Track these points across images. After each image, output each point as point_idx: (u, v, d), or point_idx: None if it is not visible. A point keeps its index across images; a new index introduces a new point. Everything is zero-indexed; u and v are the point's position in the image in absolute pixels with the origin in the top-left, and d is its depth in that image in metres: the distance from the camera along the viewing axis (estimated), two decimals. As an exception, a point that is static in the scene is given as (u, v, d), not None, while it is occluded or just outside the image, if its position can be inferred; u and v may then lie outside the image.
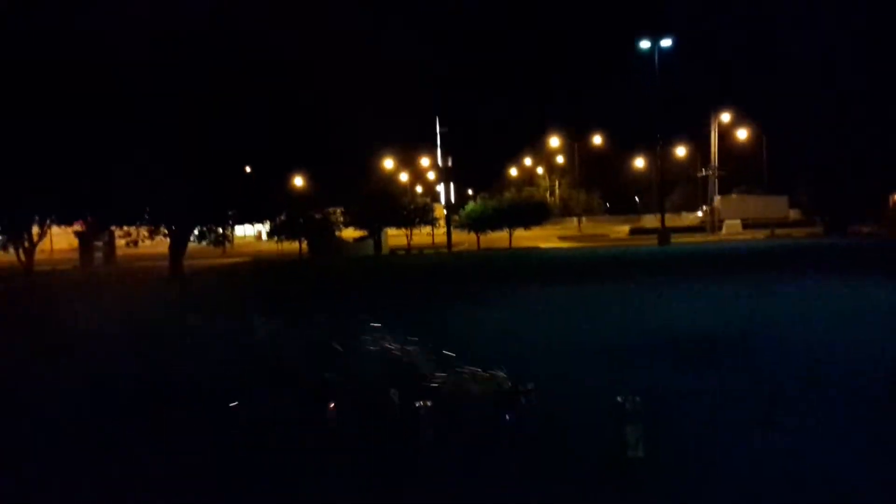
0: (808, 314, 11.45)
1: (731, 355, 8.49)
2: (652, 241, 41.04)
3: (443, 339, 10.33)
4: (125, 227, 31.23)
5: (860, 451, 5.21)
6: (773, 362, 8.02)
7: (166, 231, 29.28)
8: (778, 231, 49.76)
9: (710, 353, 8.63)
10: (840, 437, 5.46)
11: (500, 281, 20.11)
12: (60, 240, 46.19)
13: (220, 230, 31.03)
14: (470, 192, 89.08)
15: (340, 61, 32.81)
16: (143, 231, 30.16)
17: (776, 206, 64.13)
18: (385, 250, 41.91)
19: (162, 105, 24.66)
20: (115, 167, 24.46)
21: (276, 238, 41.93)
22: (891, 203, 50.92)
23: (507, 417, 5.76)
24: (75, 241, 37.79)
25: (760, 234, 48.77)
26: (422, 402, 5.71)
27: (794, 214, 62.23)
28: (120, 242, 34.26)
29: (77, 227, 35.74)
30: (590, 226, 75.75)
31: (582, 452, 5.26)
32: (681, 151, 77.20)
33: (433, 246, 45.79)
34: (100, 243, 36.53)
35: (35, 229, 31.62)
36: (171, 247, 28.95)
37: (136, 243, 30.64)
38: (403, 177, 79.18)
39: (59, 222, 32.37)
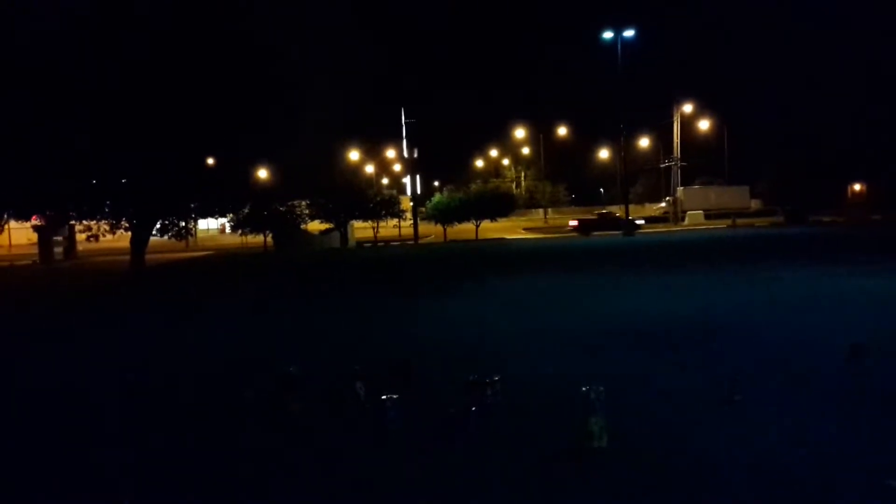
0: (768, 301, 11.61)
1: (694, 343, 8.56)
2: (617, 233, 41.57)
3: (413, 330, 10.34)
4: (85, 222, 30.54)
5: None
6: (734, 348, 8.13)
7: (127, 225, 28.77)
8: (739, 221, 50.51)
9: (675, 342, 8.69)
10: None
11: (467, 272, 20.13)
12: (19, 235, 45.31)
13: (182, 223, 30.53)
14: (436, 183, 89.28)
15: (305, 49, 32.56)
16: (104, 225, 29.58)
17: (738, 196, 65.16)
18: (351, 243, 41.82)
19: (119, 94, 24.30)
20: (69, 158, 24.05)
21: (239, 231, 41.40)
22: (849, 193, 52.05)
23: (473, 409, 5.68)
24: (34, 236, 37.04)
25: (722, 224, 49.47)
26: (387, 395, 5.67)
27: (755, 204, 63.21)
28: (81, 237, 33.60)
29: (35, 221, 34.90)
30: (556, 217, 76.24)
31: (544, 443, 5.26)
32: (644, 142, 78.06)
33: (400, 238, 45.77)
34: (60, 238, 35.89)
35: (-8, 224, 30.89)
36: (133, 241, 28.48)
37: (96, 237, 30.02)
38: (369, 168, 78.94)
39: (17, 216, 31.43)
